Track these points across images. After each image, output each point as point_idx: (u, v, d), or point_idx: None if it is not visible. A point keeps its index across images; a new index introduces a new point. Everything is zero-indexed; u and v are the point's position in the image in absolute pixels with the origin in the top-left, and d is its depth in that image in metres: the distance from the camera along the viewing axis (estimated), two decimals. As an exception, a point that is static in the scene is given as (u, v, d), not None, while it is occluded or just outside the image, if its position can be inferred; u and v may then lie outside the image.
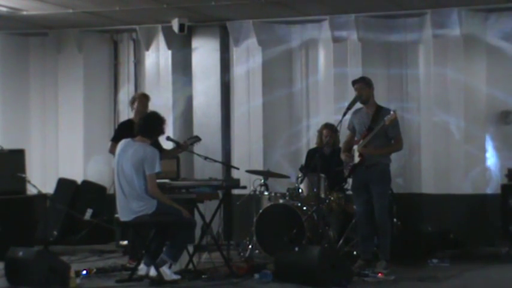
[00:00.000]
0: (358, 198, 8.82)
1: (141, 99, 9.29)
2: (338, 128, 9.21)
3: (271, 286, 7.94)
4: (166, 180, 8.98)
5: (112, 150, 8.71)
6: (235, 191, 10.29)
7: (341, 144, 9.43)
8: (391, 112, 8.58)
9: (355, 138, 8.84)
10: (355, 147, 8.76)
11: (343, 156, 8.90)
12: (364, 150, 8.64)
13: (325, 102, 11.24)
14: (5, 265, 8.04)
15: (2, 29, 11.74)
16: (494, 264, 9.24)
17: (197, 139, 9.11)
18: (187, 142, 9.03)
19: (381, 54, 11.08)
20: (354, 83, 8.87)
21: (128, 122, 9.14)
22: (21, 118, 12.35)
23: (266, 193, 9.95)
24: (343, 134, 9.35)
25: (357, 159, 8.71)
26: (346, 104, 8.89)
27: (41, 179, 11.37)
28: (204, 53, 11.68)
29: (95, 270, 8.61)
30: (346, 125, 9.02)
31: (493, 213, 10.46)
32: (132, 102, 9.35)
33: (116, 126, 11.85)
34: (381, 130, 8.58)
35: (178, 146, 9.07)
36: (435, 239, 9.81)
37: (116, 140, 8.62)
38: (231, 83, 11.69)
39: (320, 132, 10.29)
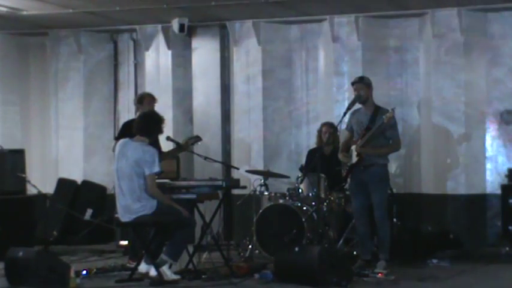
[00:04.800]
0: (356, 199, 8.82)
1: (149, 99, 9.26)
2: (338, 128, 9.22)
3: (271, 286, 7.94)
4: (166, 180, 8.97)
5: None
6: (235, 191, 10.29)
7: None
8: (390, 110, 8.58)
9: (354, 139, 8.84)
10: (353, 147, 8.77)
11: (340, 155, 8.90)
12: (362, 150, 8.65)
13: (325, 103, 11.24)
14: (5, 265, 8.03)
15: (2, 29, 11.75)
16: (494, 264, 9.25)
17: (198, 139, 9.09)
18: (188, 142, 9.02)
19: (380, 54, 11.08)
20: (354, 83, 8.88)
21: (132, 122, 9.10)
22: (21, 118, 12.36)
23: (266, 193, 9.94)
24: (343, 135, 9.35)
25: (355, 159, 8.72)
26: (346, 104, 8.89)
27: (41, 179, 11.37)
28: (204, 53, 11.68)
29: (95, 270, 8.60)
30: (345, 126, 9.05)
31: (493, 213, 10.48)
32: (139, 102, 9.31)
33: (116, 126, 11.92)
34: (379, 129, 8.59)
35: (179, 146, 9.06)
36: (435, 239, 9.81)
37: (119, 139, 8.60)
38: (231, 83, 11.69)
39: (319, 131, 10.30)
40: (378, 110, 8.73)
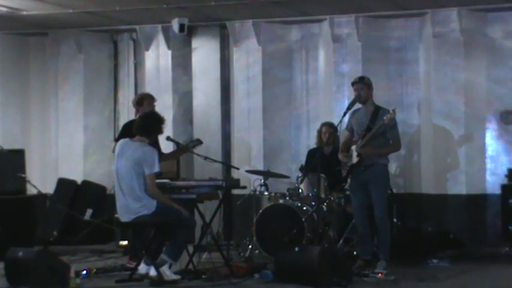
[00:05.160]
0: (357, 199, 8.82)
1: (149, 100, 9.23)
2: (338, 128, 9.22)
3: (271, 286, 7.94)
4: (166, 180, 8.97)
5: None
6: (235, 191, 10.29)
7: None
8: (391, 111, 8.58)
9: (354, 139, 8.84)
10: (354, 147, 8.77)
11: (340, 156, 8.90)
12: (363, 150, 8.65)
13: (325, 103, 11.24)
14: (5, 265, 8.04)
15: (2, 29, 11.74)
16: (494, 264, 9.25)
17: (199, 142, 9.08)
18: (189, 145, 9.02)
19: (380, 54, 11.07)
20: (354, 83, 8.88)
21: (132, 123, 9.07)
22: (21, 118, 12.36)
23: (266, 193, 9.94)
24: (343, 135, 9.35)
25: (355, 159, 8.72)
26: (346, 104, 8.89)
27: (41, 179, 11.38)
28: (204, 53, 11.68)
29: (95, 270, 8.60)
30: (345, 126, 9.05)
31: (493, 213, 10.47)
32: (138, 103, 9.26)
33: (116, 126, 11.92)
34: (380, 130, 8.59)
35: (179, 148, 9.06)
36: (435, 239, 9.82)
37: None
38: (231, 82, 11.69)
39: (319, 131, 10.30)
40: (378, 110, 8.73)
